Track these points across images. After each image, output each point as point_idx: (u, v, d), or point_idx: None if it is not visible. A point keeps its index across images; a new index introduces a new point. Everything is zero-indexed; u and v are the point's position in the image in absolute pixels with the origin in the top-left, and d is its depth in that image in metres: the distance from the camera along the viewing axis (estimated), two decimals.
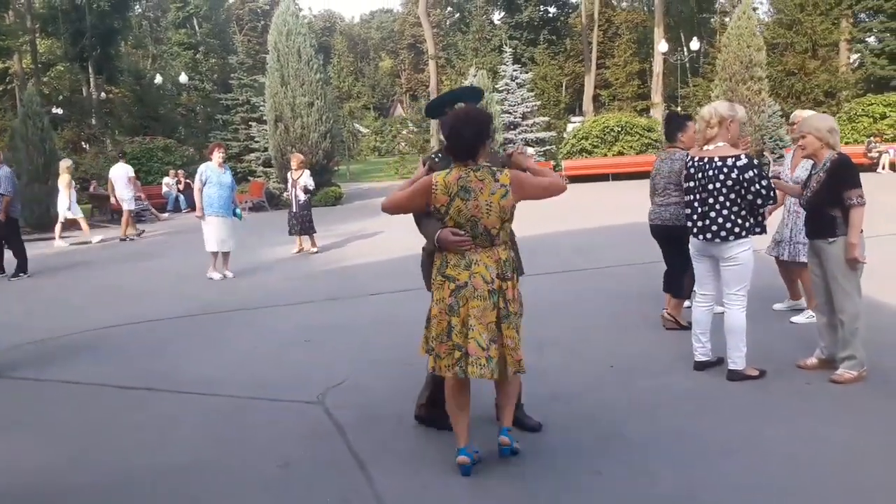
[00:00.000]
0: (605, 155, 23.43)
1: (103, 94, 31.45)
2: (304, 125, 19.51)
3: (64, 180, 13.73)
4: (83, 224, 14.03)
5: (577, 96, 40.57)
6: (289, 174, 11.28)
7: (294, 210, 10.68)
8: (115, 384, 4.95)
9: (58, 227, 13.84)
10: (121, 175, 14.69)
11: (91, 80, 31.15)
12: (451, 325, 3.14)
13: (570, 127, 29.06)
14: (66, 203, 13.66)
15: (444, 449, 3.49)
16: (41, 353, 5.92)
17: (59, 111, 31.19)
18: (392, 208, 3.34)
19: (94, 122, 30.66)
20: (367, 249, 10.93)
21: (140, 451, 3.81)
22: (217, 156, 8.97)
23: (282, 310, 7.17)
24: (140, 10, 44.40)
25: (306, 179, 10.70)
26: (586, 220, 12.47)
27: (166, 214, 17.71)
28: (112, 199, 15.31)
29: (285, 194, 11.09)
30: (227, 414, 4.32)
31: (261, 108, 22.97)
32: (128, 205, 14.48)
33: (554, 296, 6.89)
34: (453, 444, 3.35)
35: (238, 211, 9.17)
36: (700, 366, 4.53)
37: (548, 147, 25.25)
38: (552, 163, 23.44)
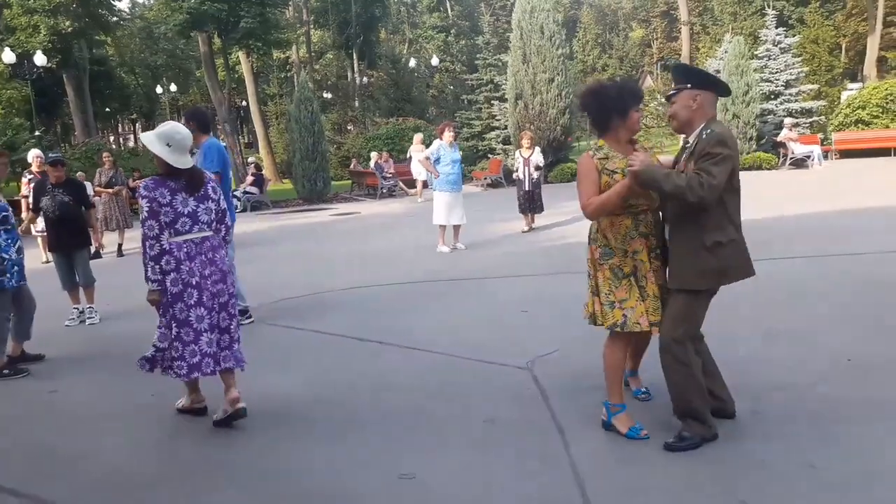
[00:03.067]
0: (887, 126, 20.50)
1: (365, 79, 34.54)
2: (543, 102, 19.69)
3: (418, 150, 17.10)
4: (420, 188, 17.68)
5: (859, 60, 35.51)
6: (518, 153, 11.20)
7: (527, 188, 10.69)
8: (354, 336, 5.62)
9: (419, 187, 17.47)
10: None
11: (354, 65, 34.39)
12: None
13: (844, 95, 25.53)
14: (422, 169, 16.62)
15: (648, 428, 3.46)
16: (299, 307, 6.86)
17: (328, 95, 34.95)
18: None
19: (356, 104, 33.86)
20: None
21: (365, 393, 4.32)
22: (448, 134, 9.43)
23: (504, 281, 7.46)
24: None
25: (537, 157, 10.71)
26: (858, 200, 11.19)
27: (413, 190, 19.06)
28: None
29: (515, 173, 11.09)
30: (444, 370, 4.68)
31: (503, 86, 23.57)
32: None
33: (796, 282, 6.29)
34: (660, 422, 3.37)
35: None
36: None
37: (815, 118, 22.48)
38: (819, 136, 20.94)
